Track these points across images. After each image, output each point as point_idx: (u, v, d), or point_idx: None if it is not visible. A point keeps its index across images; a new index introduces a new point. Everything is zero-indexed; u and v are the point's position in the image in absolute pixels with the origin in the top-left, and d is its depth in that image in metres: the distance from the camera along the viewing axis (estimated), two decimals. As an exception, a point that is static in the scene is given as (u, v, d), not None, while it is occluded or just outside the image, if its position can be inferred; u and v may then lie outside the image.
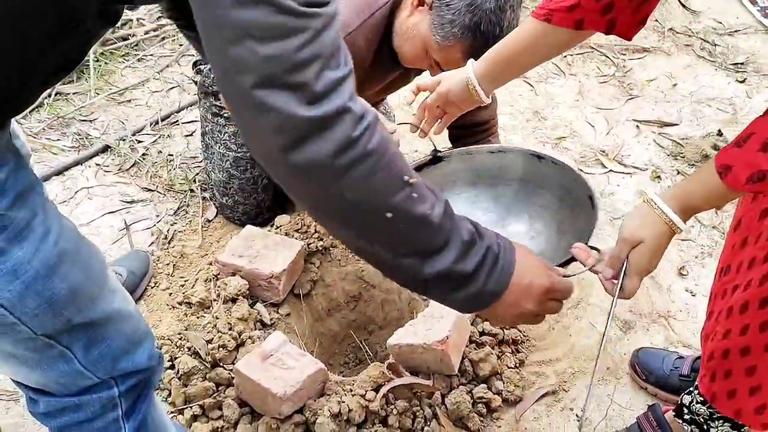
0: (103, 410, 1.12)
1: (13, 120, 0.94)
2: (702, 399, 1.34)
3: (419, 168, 1.60)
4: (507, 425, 1.68)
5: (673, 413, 1.49)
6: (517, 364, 1.80)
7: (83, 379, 1.06)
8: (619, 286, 1.16)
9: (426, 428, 1.64)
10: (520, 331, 1.87)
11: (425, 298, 1.11)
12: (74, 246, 0.99)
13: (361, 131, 0.79)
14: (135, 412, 1.18)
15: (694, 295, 1.97)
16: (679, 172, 2.38)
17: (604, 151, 2.49)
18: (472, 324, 1.83)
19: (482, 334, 1.83)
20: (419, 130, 1.60)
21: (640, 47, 3.01)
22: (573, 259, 1.24)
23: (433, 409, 1.67)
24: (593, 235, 1.30)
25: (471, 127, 2.02)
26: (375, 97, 2.03)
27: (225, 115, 2.15)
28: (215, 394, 1.73)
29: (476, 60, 1.50)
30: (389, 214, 0.85)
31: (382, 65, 1.79)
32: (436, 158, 1.58)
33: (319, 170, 0.79)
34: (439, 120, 1.58)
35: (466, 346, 1.78)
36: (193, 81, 2.24)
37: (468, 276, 0.94)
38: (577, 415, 1.68)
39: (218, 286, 1.97)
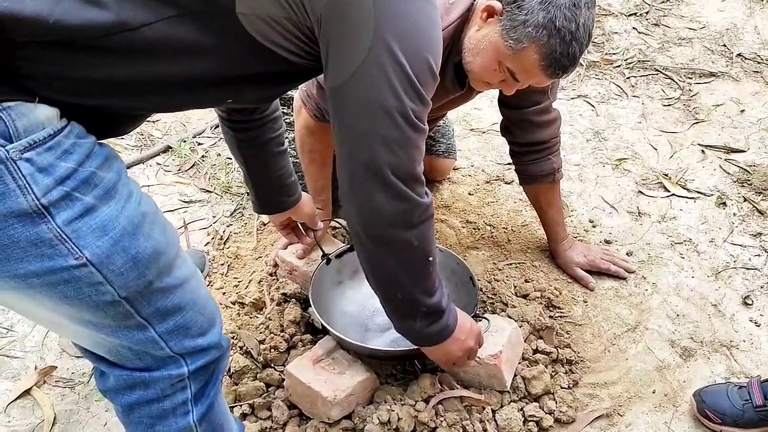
0: (173, 390, 1.13)
1: None
2: None
3: (340, 255, 1.89)
4: (559, 446, 1.64)
5: None
6: (571, 385, 1.76)
7: (157, 349, 1.08)
8: None
9: (475, 443, 1.61)
10: (575, 352, 1.82)
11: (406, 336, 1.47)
12: (154, 210, 1.04)
13: (430, 202, 1.21)
14: (204, 396, 1.19)
15: (758, 326, 1.90)
16: (745, 199, 2.30)
17: (666, 175, 2.44)
18: (525, 341, 1.80)
19: (536, 352, 1.79)
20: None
21: (707, 71, 2.94)
22: (476, 317, 1.66)
23: (483, 424, 1.64)
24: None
25: (532, 145, 1.99)
26: (435, 113, 2.00)
27: (288, 120, 2.17)
28: (265, 395, 1.73)
29: (554, 66, 1.47)
30: (430, 258, 1.26)
31: (443, 85, 1.75)
32: (352, 246, 1.84)
33: (408, 224, 1.18)
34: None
35: (519, 363, 1.75)
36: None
37: (442, 312, 1.36)
38: (631, 441, 1.63)
39: (272, 287, 1.98)
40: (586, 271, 2.06)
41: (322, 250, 1.86)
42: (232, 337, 1.86)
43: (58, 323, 1.06)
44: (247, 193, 2.44)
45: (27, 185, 0.87)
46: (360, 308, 1.91)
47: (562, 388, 1.74)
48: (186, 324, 1.09)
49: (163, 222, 1.06)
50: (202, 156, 2.64)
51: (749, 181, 2.37)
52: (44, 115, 0.90)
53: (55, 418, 1.72)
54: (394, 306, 1.36)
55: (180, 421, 1.18)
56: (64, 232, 0.91)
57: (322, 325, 1.72)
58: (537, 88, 1.83)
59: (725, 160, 2.49)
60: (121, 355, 1.09)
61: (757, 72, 2.94)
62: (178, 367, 1.12)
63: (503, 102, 1.98)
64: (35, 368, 1.84)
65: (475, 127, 2.72)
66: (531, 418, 1.66)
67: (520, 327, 1.81)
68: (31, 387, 1.79)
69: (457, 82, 1.73)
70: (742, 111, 2.73)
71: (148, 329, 1.05)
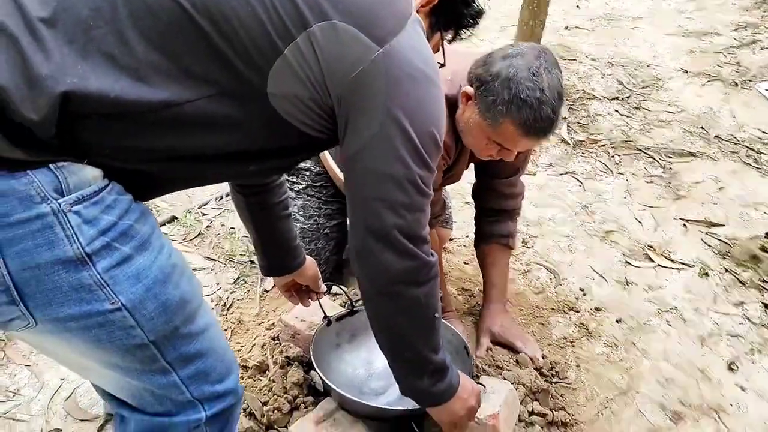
0: None
1: None
2: None
3: (340, 318, 1.96)
4: (555, 507, 1.68)
5: None
6: (566, 447, 1.81)
7: (178, 394, 1.15)
8: None
9: (475, 503, 1.64)
10: (569, 414, 1.88)
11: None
12: (182, 263, 1.13)
13: (436, 261, 1.26)
14: None
15: (744, 390, 1.97)
16: (727, 270, 2.41)
17: (652, 247, 2.55)
18: (521, 403, 1.86)
19: (531, 414, 1.85)
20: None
21: (686, 151, 3.11)
22: None
23: (482, 484, 1.68)
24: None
25: (495, 211, 2.20)
26: (460, 171, 2.12)
27: (296, 189, 2.30)
28: (268, 456, 1.77)
29: (534, 131, 1.63)
30: (437, 315, 1.32)
31: (464, 146, 1.92)
32: (352, 311, 1.98)
33: (415, 282, 1.24)
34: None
35: (516, 425, 1.80)
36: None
37: (447, 370, 1.41)
38: (626, 502, 1.68)
39: (275, 351, 2.04)
40: (496, 342, 2.11)
41: (324, 313, 1.93)
42: (237, 399, 1.91)
43: (87, 367, 1.13)
44: (252, 261, 2.54)
45: (74, 235, 0.97)
46: (356, 372, 1.96)
47: (557, 449, 1.79)
48: (206, 370, 1.16)
49: (190, 274, 1.15)
50: (207, 226, 2.74)
51: (730, 253, 2.49)
52: (91, 174, 1.00)
53: (59, 480, 1.75)
54: (402, 365, 1.41)
55: None
56: (103, 279, 1.00)
57: (323, 385, 1.77)
58: (511, 163, 2.01)
59: (706, 233, 2.62)
60: (143, 399, 1.16)
61: (734, 152, 3.12)
62: (197, 413, 1.18)
63: (480, 170, 2.15)
64: (41, 431, 1.87)
65: (469, 200, 2.84)
66: (529, 479, 1.71)
67: (515, 389, 1.87)
68: (36, 449, 1.82)
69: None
70: (721, 188, 2.88)
71: (171, 374, 1.12)
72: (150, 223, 1.08)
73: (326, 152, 2.28)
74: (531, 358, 2.02)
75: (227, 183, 1.70)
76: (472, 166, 2.17)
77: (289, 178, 2.31)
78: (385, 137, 1.11)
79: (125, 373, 1.11)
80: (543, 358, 2.05)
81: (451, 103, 1.82)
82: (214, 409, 1.20)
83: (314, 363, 1.78)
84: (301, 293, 1.94)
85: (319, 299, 1.95)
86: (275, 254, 1.76)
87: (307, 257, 1.86)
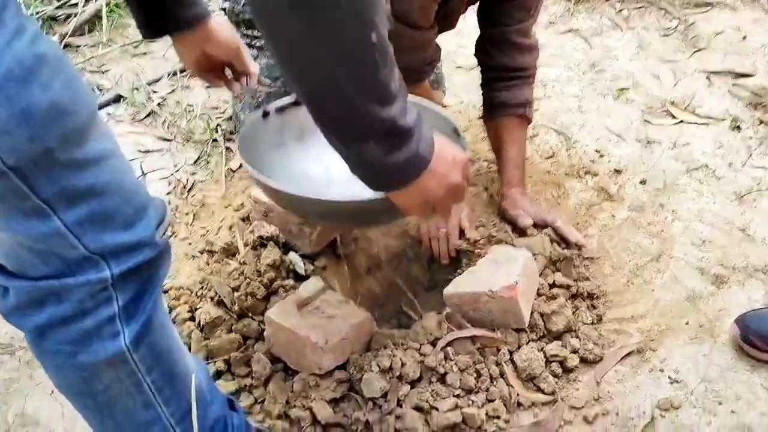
0: (94, 302, 0.87)
1: None
2: None
3: (282, 109, 1.44)
4: (587, 387, 1.42)
5: None
6: (595, 321, 1.54)
7: (66, 247, 0.82)
8: None
9: (492, 388, 1.38)
10: (596, 285, 1.61)
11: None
12: (57, 55, 0.76)
13: None
14: (137, 312, 0.92)
15: (794, 248, 1.71)
16: (761, 122, 2.11)
17: (673, 102, 2.24)
18: (539, 276, 1.57)
19: (552, 286, 1.57)
20: None
21: (702, 2, 2.76)
22: None
23: (500, 366, 1.41)
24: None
25: (509, 70, 1.76)
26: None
27: (257, 45, 1.92)
28: (242, 348, 1.48)
29: None
30: (374, 37, 0.79)
31: None
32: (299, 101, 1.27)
33: None
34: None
35: (535, 300, 1.52)
36: (222, 9, 2.00)
37: (408, 132, 0.91)
38: (669, 377, 1.42)
39: (245, 231, 1.72)
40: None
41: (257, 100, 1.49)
42: (201, 286, 1.61)
43: None
44: (215, 139, 2.19)
45: None
46: (308, 178, 1.44)
47: (584, 324, 1.52)
48: (105, 212, 0.83)
49: (71, 75, 0.78)
50: (159, 104, 2.37)
51: (762, 103, 2.18)
52: None
53: (-8, 388, 1.46)
54: (333, 125, 0.89)
55: (109, 346, 0.91)
56: None
57: (258, 182, 1.23)
58: (521, 4, 1.67)
59: (733, 84, 2.30)
60: (20, 258, 0.84)
61: (755, 0, 2.77)
62: (98, 271, 0.85)
63: (484, 17, 1.75)
64: (-32, 336, 1.57)
65: (461, 64, 2.49)
66: (554, 358, 1.44)
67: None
68: (-36, 356, 1.53)
69: None
70: (744, 38, 2.55)
71: (52, 217, 0.79)
72: None
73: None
74: (576, 243, 1.67)
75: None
76: (474, 19, 1.80)
77: (249, 32, 1.93)
78: None
79: None
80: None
81: None
82: (123, 266, 0.87)
83: (244, 162, 1.25)
84: (224, 77, 1.41)
85: (249, 81, 1.43)
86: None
87: (220, 20, 1.31)
